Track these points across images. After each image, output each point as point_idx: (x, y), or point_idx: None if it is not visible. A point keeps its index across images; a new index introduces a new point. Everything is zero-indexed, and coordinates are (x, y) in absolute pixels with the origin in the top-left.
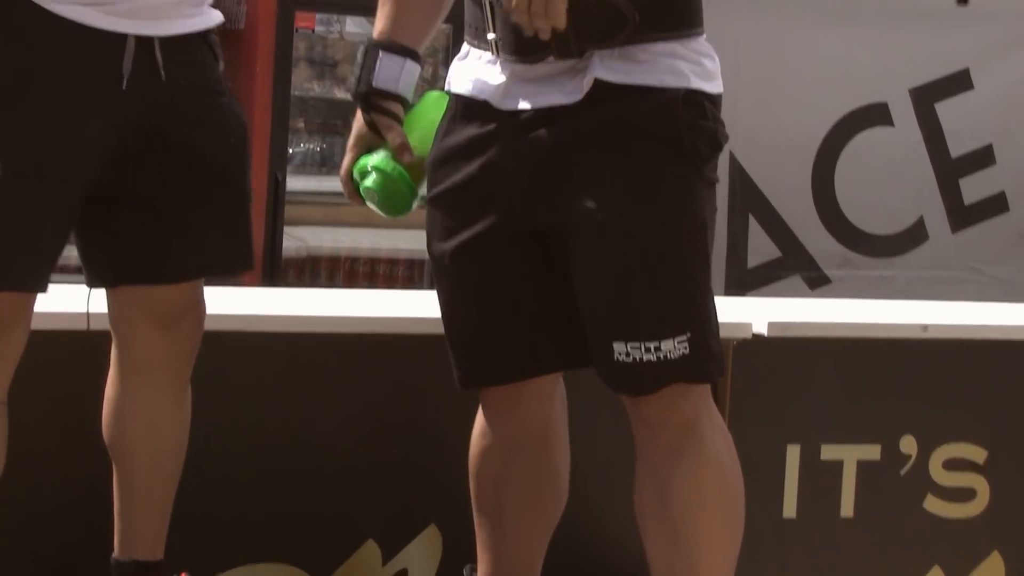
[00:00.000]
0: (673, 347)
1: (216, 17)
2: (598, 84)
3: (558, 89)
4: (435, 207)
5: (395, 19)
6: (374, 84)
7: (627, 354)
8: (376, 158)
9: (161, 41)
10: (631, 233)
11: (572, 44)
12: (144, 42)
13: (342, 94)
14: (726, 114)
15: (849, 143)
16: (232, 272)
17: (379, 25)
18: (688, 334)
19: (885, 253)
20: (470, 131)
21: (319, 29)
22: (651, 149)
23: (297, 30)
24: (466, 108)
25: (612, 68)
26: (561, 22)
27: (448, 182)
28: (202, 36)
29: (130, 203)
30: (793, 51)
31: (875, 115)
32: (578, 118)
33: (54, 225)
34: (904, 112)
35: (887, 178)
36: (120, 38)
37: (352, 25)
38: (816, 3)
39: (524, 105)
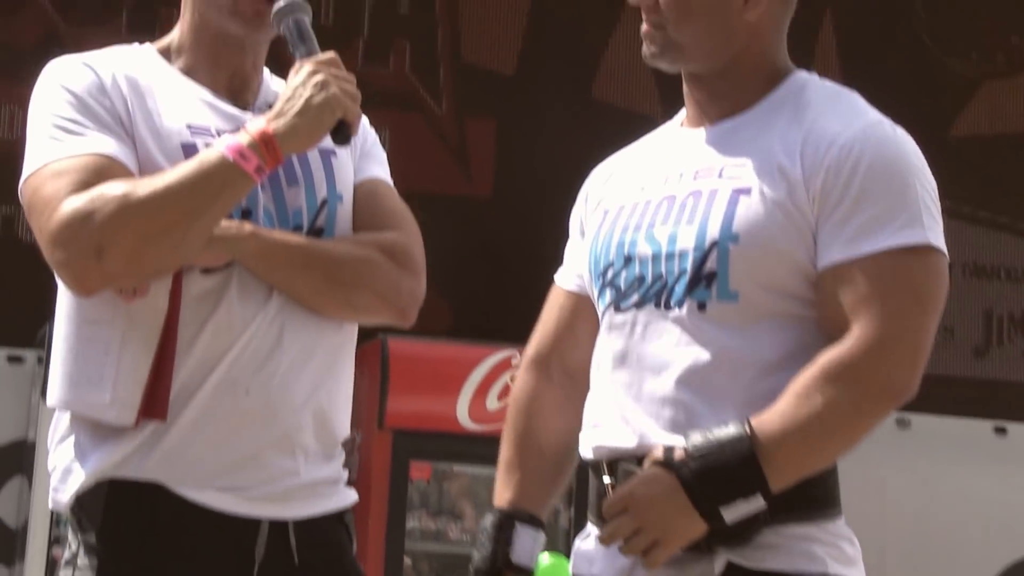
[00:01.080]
0: None
1: (351, 496)
2: (730, 567)
3: (686, 575)
4: None
5: (522, 488)
6: (513, 560)
7: None
8: None
9: (296, 524)
10: None
11: (702, 543)
12: (278, 526)
13: (455, 535)
14: (873, 564)
15: None
16: None
17: (506, 494)
18: None
19: None
20: None
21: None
22: None
23: (412, 481)
24: None
25: (743, 553)
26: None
27: None
28: (338, 516)
29: None
30: (946, 496)
31: None
32: None
33: None
34: None
35: None
36: (254, 523)
37: None
38: (969, 443)
39: None
